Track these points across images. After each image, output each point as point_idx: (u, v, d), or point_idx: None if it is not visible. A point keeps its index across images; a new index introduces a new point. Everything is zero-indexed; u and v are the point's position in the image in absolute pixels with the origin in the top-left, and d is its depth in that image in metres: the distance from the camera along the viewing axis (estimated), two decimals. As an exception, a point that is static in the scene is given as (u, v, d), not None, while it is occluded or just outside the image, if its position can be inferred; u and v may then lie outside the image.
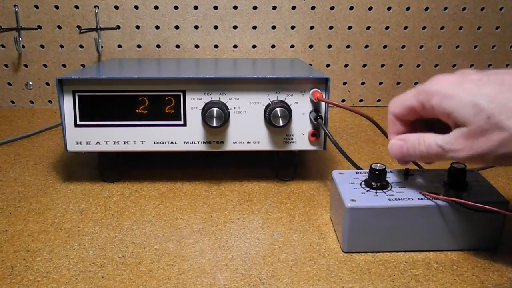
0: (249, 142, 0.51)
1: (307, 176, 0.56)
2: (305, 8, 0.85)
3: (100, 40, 0.84)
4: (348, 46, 0.88)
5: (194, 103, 0.49)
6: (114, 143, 0.50)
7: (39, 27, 0.84)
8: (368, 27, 0.87)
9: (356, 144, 0.68)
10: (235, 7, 0.84)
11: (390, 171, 0.44)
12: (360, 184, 0.41)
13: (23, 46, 0.84)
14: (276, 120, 0.48)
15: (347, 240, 0.39)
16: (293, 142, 0.51)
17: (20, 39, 0.84)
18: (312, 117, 0.49)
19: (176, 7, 0.84)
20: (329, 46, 0.88)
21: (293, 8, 0.85)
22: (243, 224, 0.45)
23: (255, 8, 0.85)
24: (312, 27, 0.86)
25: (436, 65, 0.90)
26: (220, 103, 0.49)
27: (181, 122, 0.50)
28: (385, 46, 0.88)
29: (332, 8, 0.85)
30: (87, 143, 0.50)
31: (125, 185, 0.53)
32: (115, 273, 0.37)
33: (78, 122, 0.50)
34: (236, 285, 0.35)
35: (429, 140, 0.35)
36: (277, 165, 0.55)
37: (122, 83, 0.49)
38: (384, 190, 0.40)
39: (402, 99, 0.38)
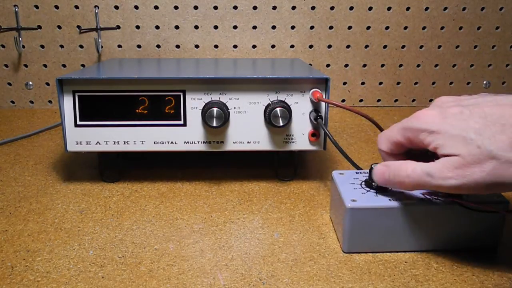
0: (249, 142, 0.51)
1: (307, 176, 0.56)
2: (305, 8, 0.85)
3: (100, 40, 0.85)
4: (348, 46, 0.88)
5: (194, 103, 0.49)
6: (114, 143, 0.50)
7: (39, 27, 0.84)
8: (368, 27, 0.87)
9: (356, 144, 0.68)
10: (235, 7, 0.84)
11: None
12: (361, 184, 0.41)
13: (23, 46, 0.84)
14: (276, 120, 0.48)
15: (347, 240, 0.39)
16: (293, 142, 0.51)
17: (20, 39, 0.84)
18: (312, 117, 0.49)
19: (176, 7, 0.84)
20: (329, 46, 0.88)
21: (293, 8, 0.85)
22: (243, 224, 0.45)
23: (255, 8, 0.85)
24: (312, 27, 0.86)
25: (436, 65, 0.90)
26: (220, 103, 0.49)
27: (181, 122, 0.50)
28: (385, 46, 0.88)
29: (332, 8, 0.85)
30: (87, 143, 0.50)
31: (125, 185, 0.53)
32: (115, 273, 0.37)
33: (78, 122, 0.50)
34: (236, 285, 0.35)
35: (412, 167, 0.35)
36: (277, 165, 0.55)
37: (122, 83, 0.49)
38: (384, 190, 0.40)
39: (388, 136, 0.39)
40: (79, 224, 0.45)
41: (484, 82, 0.92)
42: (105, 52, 0.86)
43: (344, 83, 0.90)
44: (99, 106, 0.49)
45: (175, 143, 0.51)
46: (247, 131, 0.50)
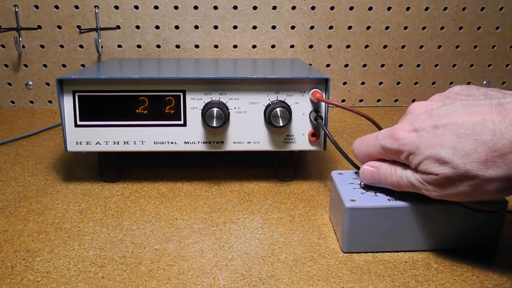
0: (249, 142, 0.51)
1: (307, 176, 0.56)
2: (305, 8, 0.85)
3: (100, 40, 0.85)
4: (348, 46, 0.88)
5: (194, 103, 0.49)
6: (114, 143, 0.50)
7: (39, 27, 0.84)
8: (368, 27, 0.87)
9: (356, 144, 0.68)
10: (235, 7, 0.84)
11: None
12: (360, 184, 0.41)
13: (23, 46, 0.84)
14: (276, 120, 0.48)
15: (347, 240, 0.39)
16: (293, 142, 0.51)
17: (20, 39, 0.84)
18: (312, 117, 0.49)
19: (176, 7, 0.84)
20: (329, 46, 0.88)
21: (293, 8, 0.85)
22: (243, 224, 0.45)
23: (255, 8, 0.85)
24: (312, 27, 0.86)
25: (436, 65, 0.90)
26: (220, 103, 0.49)
27: (181, 122, 0.50)
28: (385, 46, 0.88)
29: (332, 8, 0.85)
30: (87, 143, 0.50)
31: (125, 185, 0.53)
32: (115, 273, 0.37)
33: (78, 122, 0.50)
34: (236, 285, 0.35)
35: (400, 173, 0.37)
36: (277, 165, 0.55)
37: (122, 83, 0.49)
38: (384, 190, 0.40)
39: (367, 152, 0.40)
40: (79, 224, 0.45)
41: (484, 82, 0.92)
42: (105, 52, 0.86)
43: (344, 83, 0.91)
44: (99, 106, 0.49)
45: (175, 143, 0.51)
46: (247, 131, 0.50)
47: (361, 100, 0.92)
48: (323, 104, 0.50)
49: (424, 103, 0.37)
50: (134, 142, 0.50)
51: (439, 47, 0.89)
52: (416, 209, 0.38)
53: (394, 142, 0.36)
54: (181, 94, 0.49)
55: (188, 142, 0.51)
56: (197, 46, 0.86)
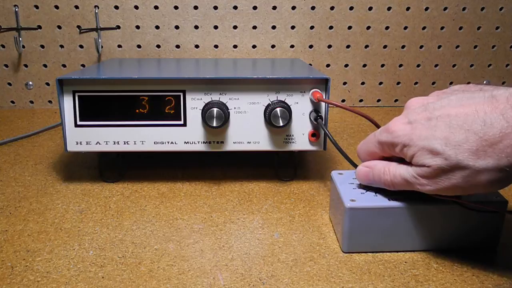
0: (249, 142, 0.51)
1: (307, 176, 0.56)
2: (305, 8, 0.85)
3: (100, 40, 0.85)
4: (348, 46, 0.88)
5: (194, 103, 0.49)
6: (114, 143, 0.50)
7: (39, 27, 0.84)
8: (368, 27, 0.87)
9: (356, 144, 0.68)
10: (235, 7, 0.84)
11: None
12: (360, 184, 0.41)
13: (23, 46, 0.84)
14: (276, 120, 0.48)
15: (347, 240, 0.39)
16: (293, 142, 0.51)
17: (20, 39, 0.84)
18: (312, 117, 0.49)
19: (176, 7, 0.84)
20: (329, 46, 0.88)
21: (293, 8, 0.85)
22: (243, 224, 0.45)
23: (255, 8, 0.85)
24: (312, 27, 0.86)
25: (436, 65, 0.90)
26: (220, 103, 0.49)
27: (181, 122, 0.50)
28: (385, 46, 0.88)
29: (332, 8, 0.85)
30: (87, 143, 0.50)
31: (125, 185, 0.53)
32: (115, 273, 0.37)
33: (78, 122, 0.50)
34: (236, 285, 0.35)
35: (394, 171, 0.37)
36: (277, 165, 0.55)
37: (122, 83, 0.49)
38: (384, 190, 0.40)
39: (366, 150, 0.41)
40: (79, 224, 0.45)
41: (484, 82, 0.92)
42: (105, 52, 0.86)
43: (344, 83, 0.90)
44: (99, 106, 0.49)
45: (175, 143, 0.51)
46: (247, 131, 0.50)
47: (361, 100, 0.92)
48: (323, 104, 0.50)
49: (420, 98, 0.38)
50: (134, 142, 0.50)
51: (439, 47, 0.89)
52: (416, 209, 0.38)
53: (389, 135, 0.37)
54: (181, 94, 0.49)
55: (188, 142, 0.51)
56: (197, 46, 0.86)
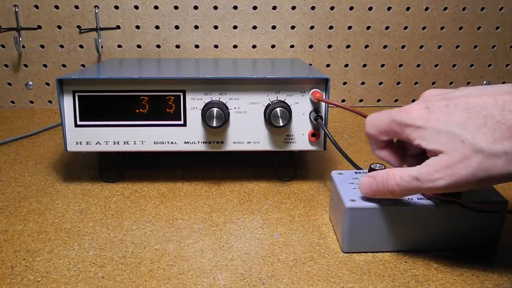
0: (249, 142, 0.51)
1: (307, 176, 0.56)
2: (305, 8, 0.85)
3: (100, 40, 0.85)
4: (348, 46, 0.88)
5: (194, 103, 0.49)
6: (114, 143, 0.50)
7: (39, 27, 0.84)
8: (368, 27, 0.87)
9: (356, 144, 0.68)
10: (235, 7, 0.84)
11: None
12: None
13: (23, 46, 0.84)
14: (276, 120, 0.48)
15: (347, 240, 0.39)
16: (293, 142, 0.51)
17: (20, 39, 0.84)
18: (312, 117, 0.50)
19: (176, 7, 0.84)
20: (329, 46, 0.88)
21: (293, 8, 0.85)
22: (243, 224, 0.45)
23: (255, 8, 0.85)
24: (312, 27, 0.86)
25: (436, 65, 0.90)
26: (220, 103, 0.49)
27: (181, 122, 0.50)
28: (385, 46, 0.88)
29: (332, 8, 0.85)
30: (87, 143, 0.50)
31: (125, 185, 0.53)
32: (115, 273, 0.37)
33: (78, 122, 0.50)
34: (236, 285, 0.35)
35: (400, 174, 0.35)
36: (277, 165, 0.55)
37: (122, 83, 0.49)
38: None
39: (377, 123, 0.39)
40: (79, 224, 0.45)
41: (484, 82, 0.92)
42: (105, 52, 0.86)
43: (344, 83, 0.90)
44: (99, 106, 0.49)
45: (175, 143, 0.51)
46: (247, 131, 0.50)
47: (361, 100, 0.92)
48: (323, 104, 0.50)
49: (438, 89, 0.38)
50: (134, 142, 0.50)
51: (439, 47, 0.89)
52: (416, 209, 0.38)
53: (404, 115, 0.36)
54: (181, 94, 0.49)
55: (188, 142, 0.51)
56: (197, 46, 0.86)
